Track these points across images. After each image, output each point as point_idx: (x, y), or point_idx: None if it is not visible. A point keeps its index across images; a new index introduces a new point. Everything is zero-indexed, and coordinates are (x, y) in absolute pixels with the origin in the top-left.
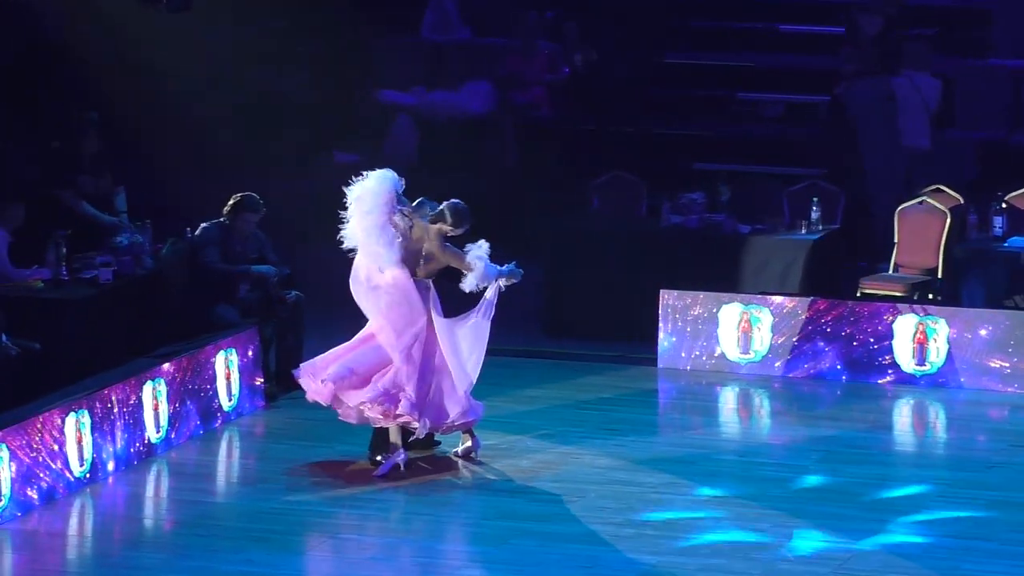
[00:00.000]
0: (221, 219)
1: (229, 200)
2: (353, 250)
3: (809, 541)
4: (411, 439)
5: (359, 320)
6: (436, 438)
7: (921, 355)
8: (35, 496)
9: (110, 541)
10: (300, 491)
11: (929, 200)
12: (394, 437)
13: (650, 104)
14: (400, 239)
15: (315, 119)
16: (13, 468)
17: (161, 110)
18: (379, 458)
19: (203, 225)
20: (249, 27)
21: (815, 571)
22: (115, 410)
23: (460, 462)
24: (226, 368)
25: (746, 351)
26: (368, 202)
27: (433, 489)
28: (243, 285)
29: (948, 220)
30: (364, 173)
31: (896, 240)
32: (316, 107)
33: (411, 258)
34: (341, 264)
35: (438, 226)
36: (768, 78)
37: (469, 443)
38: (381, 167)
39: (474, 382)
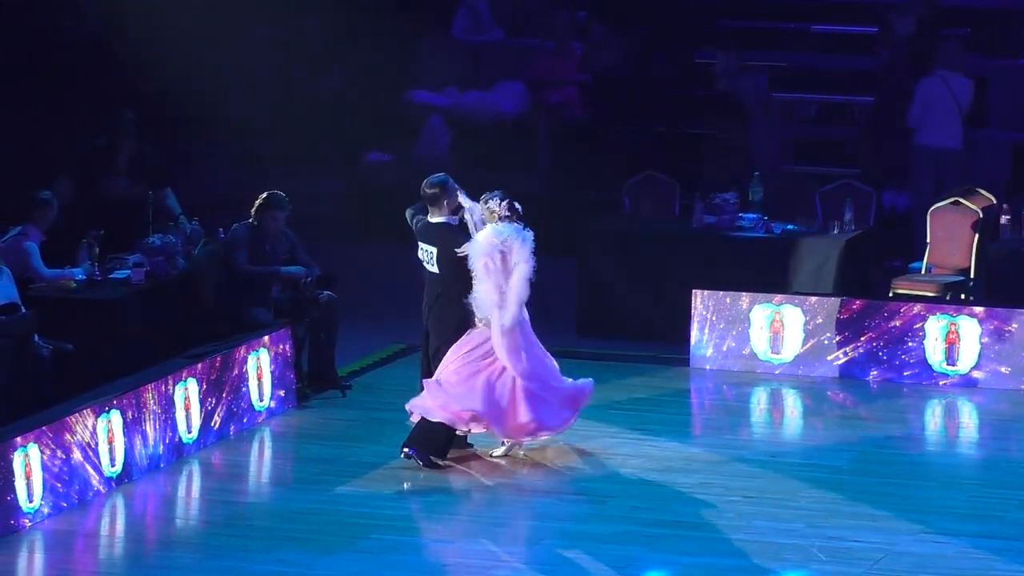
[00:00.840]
0: (250, 220)
1: (256, 200)
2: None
3: (841, 541)
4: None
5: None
6: (468, 439)
7: (953, 355)
8: (68, 496)
9: (143, 541)
10: (332, 491)
11: (962, 200)
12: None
13: (682, 104)
14: None
15: (350, 119)
16: (46, 468)
17: (198, 108)
18: (408, 450)
19: (233, 227)
20: (285, 27)
21: (847, 571)
22: (148, 410)
23: (499, 461)
24: (258, 368)
25: (778, 351)
26: (521, 255)
27: (466, 489)
28: (275, 286)
29: (981, 220)
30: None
31: (928, 240)
32: (351, 107)
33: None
34: (373, 263)
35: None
36: (801, 78)
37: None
38: (413, 168)
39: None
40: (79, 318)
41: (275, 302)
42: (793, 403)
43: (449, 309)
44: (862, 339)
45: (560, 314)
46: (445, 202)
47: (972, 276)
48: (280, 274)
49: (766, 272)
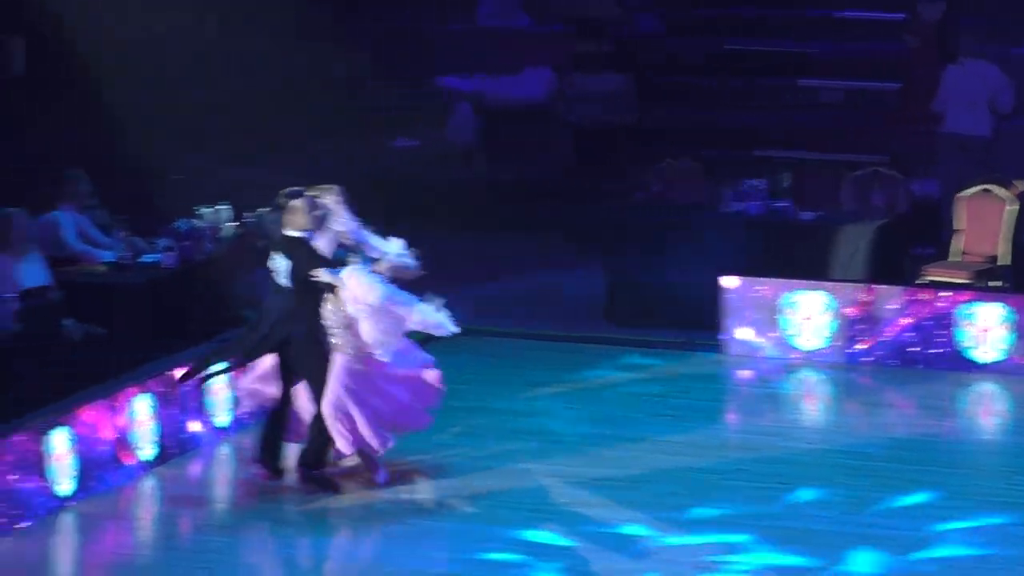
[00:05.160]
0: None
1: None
2: None
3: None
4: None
5: None
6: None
7: (987, 342)
8: (102, 480)
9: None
10: None
11: (991, 188)
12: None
13: (709, 92)
14: None
15: (380, 105)
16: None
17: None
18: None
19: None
20: (299, 9)
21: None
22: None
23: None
24: None
25: (810, 338)
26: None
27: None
28: None
29: (1011, 207)
30: None
31: (959, 227)
32: (379, 93)
33: None
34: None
35: None
36: (827, 65)
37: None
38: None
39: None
40: (109, 302)
41: None
42: (826, 390)
43: (308, 341)
44: (894, 325)
45: (589, 303)
46: (302, 218)
47: (1004, 263)
48: None
49: (797, 259)
